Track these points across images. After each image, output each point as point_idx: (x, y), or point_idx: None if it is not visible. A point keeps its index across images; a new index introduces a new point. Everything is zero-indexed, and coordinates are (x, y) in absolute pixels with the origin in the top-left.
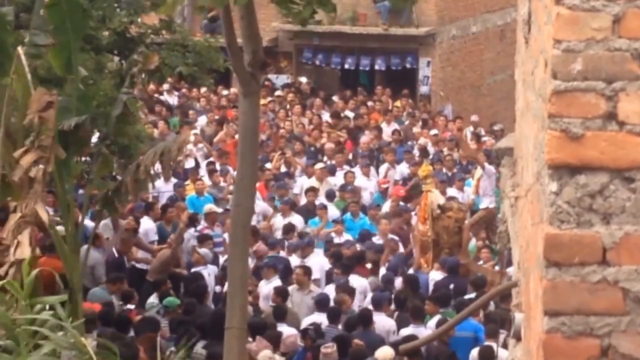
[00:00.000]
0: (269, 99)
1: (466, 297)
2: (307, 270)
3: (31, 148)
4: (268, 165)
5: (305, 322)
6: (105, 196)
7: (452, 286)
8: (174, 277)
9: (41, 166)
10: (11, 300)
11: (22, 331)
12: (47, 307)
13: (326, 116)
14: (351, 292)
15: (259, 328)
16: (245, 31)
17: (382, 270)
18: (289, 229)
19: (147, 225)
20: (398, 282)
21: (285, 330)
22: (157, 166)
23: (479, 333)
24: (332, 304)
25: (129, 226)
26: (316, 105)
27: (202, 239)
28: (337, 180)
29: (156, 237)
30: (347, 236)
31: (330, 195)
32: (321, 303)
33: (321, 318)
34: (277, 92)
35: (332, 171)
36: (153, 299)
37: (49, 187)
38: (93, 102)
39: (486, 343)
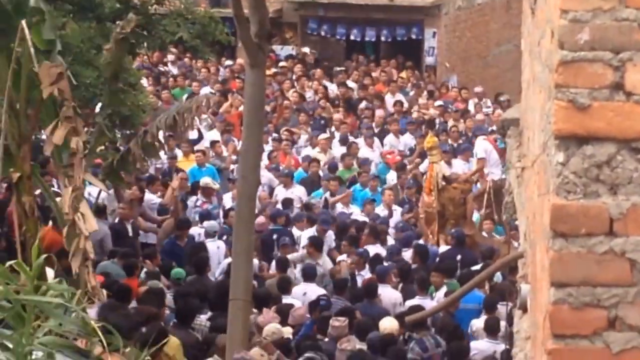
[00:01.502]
0: (274, 70)
1: (472, 268)
2: (316, 241)
3: (58, 121)
4: None
5: (294, 292)
6: (109, 166)
7: (459, 257)
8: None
9: (77, 138)
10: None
11: (29, 311)
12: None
13: (332, 87)
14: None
15: (264, 299)
16: (252, 2)
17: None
18: (288, 202)
19: (148, 196)
20: (407, 254)
21: (290, 302)
22: (161, 133)
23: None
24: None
25: (133, 196)
26: (317, 75)
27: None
28: (342, 150)
29: (159, 200)
30: (353, 207)
31: (332, 168)
32: (308, 273)
33: (308, 288)
34: (282, 63)
35: (344, 141)
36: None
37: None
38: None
39: (484, 315)
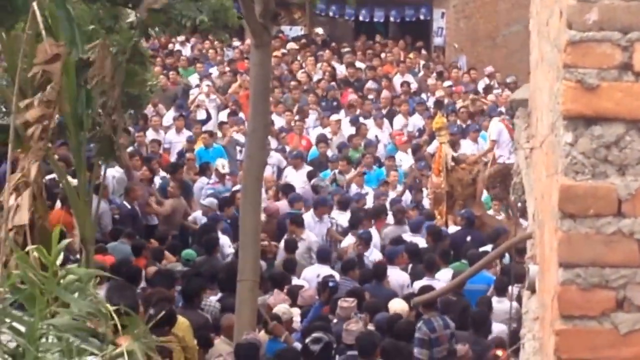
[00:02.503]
0: (282, 51)
1: (484, 249)
2: (296, 220)
3: (34, 103)
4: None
5: (305, 273)
6: (106, 144)
7: (468, 238)
8: (184, 230)
9: (39, 125)
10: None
11: (44, 293)
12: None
13: (341, 68)
14: (366, 242)
15: (280, 280)
16: None
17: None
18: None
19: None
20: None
21: (302, 283)
22: (170, 114)
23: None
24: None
25: (143, 177)
26: (326, 56)
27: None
28: (351, 131)
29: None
30: (367, 188)
31: (341, 148)
32: (322, 255)
33: (322, 270)
34: (289, 45)
35: (354, 122)
36: None
37: (62, 138)
38: None
39: (495, 297)
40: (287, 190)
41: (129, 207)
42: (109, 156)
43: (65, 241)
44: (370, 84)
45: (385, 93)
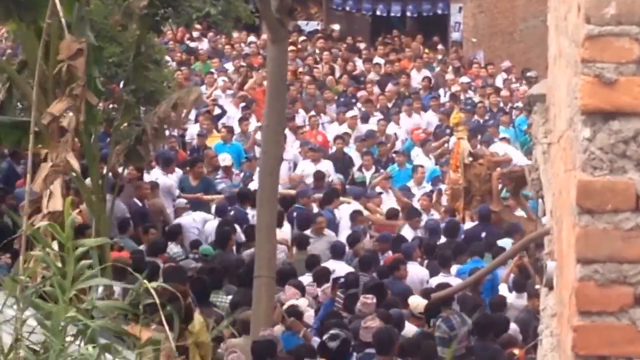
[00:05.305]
0: (299, 46)
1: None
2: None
3: (62, 97)
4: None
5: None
6: (129, 146)
7: (484, 234)
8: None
9: (71, 114)
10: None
11: (67, 279)
12: None
13: (358, 63)
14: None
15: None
16: None
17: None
18: (319, 176)
19: (167, 181)
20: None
21: (308, 279)
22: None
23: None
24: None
25: (132, 176)
26: (344, 53)
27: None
28: (370, 127)
29: (177, 192)
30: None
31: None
32: (336, 251)
33: (337, 266)
34: (302, 38)
35: (365, 119)
36: (176, 248)
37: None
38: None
39: (514, 292)
40: None
41: (139, 204)
42: (137, 159)
43: (75, 212)
44: (389, 87)
45: (390, 87)
